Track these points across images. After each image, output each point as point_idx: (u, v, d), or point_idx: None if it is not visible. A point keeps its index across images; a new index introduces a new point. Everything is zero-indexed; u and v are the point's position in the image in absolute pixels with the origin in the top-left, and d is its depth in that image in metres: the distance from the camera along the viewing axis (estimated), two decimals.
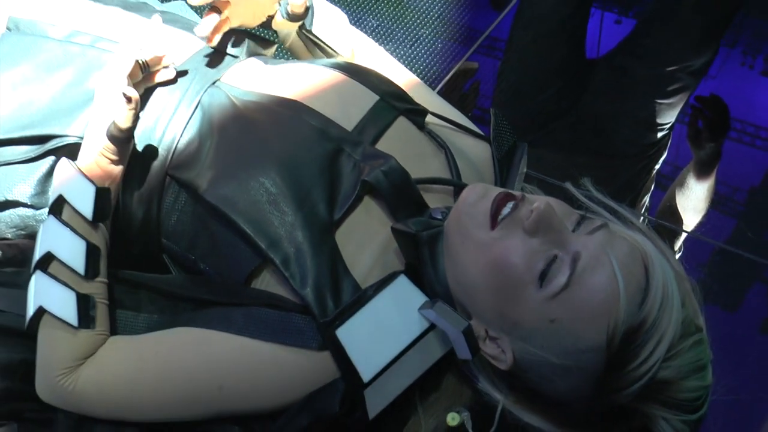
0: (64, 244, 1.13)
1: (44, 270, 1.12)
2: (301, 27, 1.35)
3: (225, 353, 1.10)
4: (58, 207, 1.13)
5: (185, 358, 1.11)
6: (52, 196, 1.14)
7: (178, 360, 1.11)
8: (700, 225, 1.88)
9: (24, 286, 1.20)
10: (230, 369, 1.10)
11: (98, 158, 1.15)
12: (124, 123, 1.14)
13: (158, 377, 1.12)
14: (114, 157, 1.16)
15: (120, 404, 1.14)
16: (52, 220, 1.13)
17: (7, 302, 1.21)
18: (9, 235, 1.26)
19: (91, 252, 1.14)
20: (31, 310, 1.13)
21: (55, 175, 1.14)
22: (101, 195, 1.14)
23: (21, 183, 1.23)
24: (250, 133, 1.18)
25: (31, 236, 1.25)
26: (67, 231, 1.13)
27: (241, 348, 1.09)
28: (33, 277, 1.13)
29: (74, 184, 1.13)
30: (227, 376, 1.10)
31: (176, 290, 1.19)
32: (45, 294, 1.12)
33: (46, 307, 1.11)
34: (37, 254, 1.13)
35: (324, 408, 1.09)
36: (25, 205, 1.24)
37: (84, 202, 1.13)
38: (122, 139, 1.15)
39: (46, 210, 1.23)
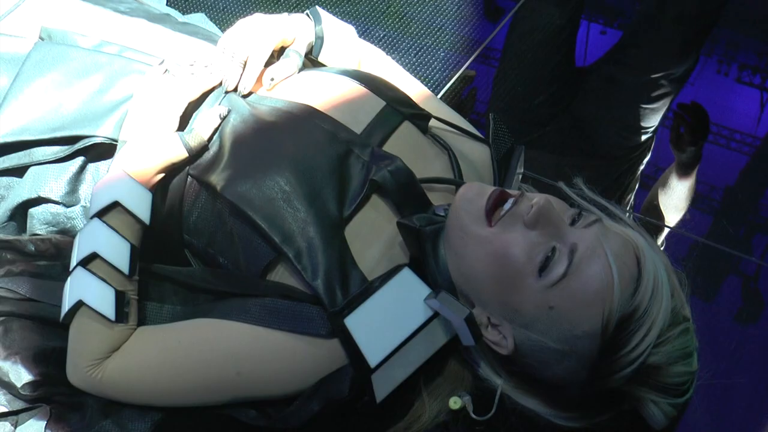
0: (111, 246, 1.13)
1: (85, 266, 1.13)
2: (307, 54, 1.35)
3: (242, 342, 1.11)
4: (108, 211, 1.14)
5: (205, 347, 1.12)
6: (102, 200, 1.14)
7: (199, 349, 1.12)
8: (681, 222, 1.88)
9: (57, 279, 1.20)
10: (247, 356, 1.11)
11: (157, 166, 1.16)
12: (208, 136, 1.18)
13: (181, 365, 1.12)
14: (172, 167, 1.18)
15: (144, 391, 1.14)
16: (99, 223, 1.13)
17: (40, 293, 1.21)
18: (41, 231, 1.26)
19: (134, 253, 1.16)
20: (69, 303, 1.13)
21: (108, 181, 1.15)
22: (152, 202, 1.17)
23: (52, 181, 1.23)
24: (265, 135, 1.19)
25: (62, 232, 1.25)
26: (115, 235, 1.14)
27: (257, 337, 1.10)
28: (74, 272, 1.13)
29: (132, 190, 1.14)
30: (244, 363, 1.11)
31: (197, 283, 1.19)
32: (85, 289, 1.12)
33: (86, 300, 1.12)
34: (81, 252, 1.13)
35: (334, 393, 1.10)
36: (56, 202, 1.24)
37: (141, 208, 1.15)
38: (198, 151, 1.18)
39: (77, 207, 1.24)
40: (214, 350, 1.11)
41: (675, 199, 1.94)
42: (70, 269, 1.14)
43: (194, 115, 1.23)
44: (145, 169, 1.16)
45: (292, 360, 1.10)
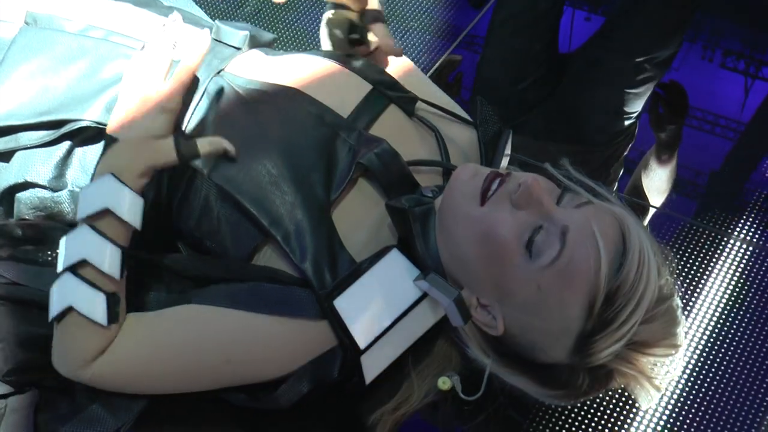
0: (101, 252, 1.09)
1: (74, 272, 1.09)
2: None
3: (231, 328, 1.10)
4: (98, 217, 1.09)
5: (194, 335, 1.11)
6: (92, 205, 1.09)
7: (189, 338, 1.11)
8: (664, 205, 1.89)
9: (45, 264, 1.19)
10: (236, 342, 1.10)
11: (148, 170, 1.12)
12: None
13: (170, 356, 1.12)
14: (162, 168, 1.14)
15: (134, 381, 1.13)
16: (88, 229, 1.09)
17: (27, 277, 1.20)
18: (28, 216, 1.25)
19: (125, 256, 1.11)
20: (58, 308, 1.10)
21: (98, 185, 1.10)
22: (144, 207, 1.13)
23: (39, 166, 1.22)
24: (252, 119, 1.19)
25: (50, 217, 1.24)
26: (105, 241, 1.09)
27: (246, 323, 1.10)
28: (62, 276, 1.09)
29: (123, 196, 1.09)
30: (234, 349, 1.10)
31: (183, 268, 1.18)
32: (74, 294, 1.09)
33: (76, 307, 1.09)
34: (69, 258, 1.09)
35: (324, 374, 1.10)
36: (43, 187, 1.23)
37: (133, 213, 1.10)
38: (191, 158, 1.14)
39: (64, 192, 1.23)
40: (203, 337, 1.11)
41: (657, 181, 1.95)
42: (58, 272, 1.10)
43: (189, 114, 1.21)
44: (137, 174, 1.11)
45: (283, 344, 1.10)
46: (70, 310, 1.09)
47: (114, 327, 1.11)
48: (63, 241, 1.11)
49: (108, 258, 1.09)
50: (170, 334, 1.12)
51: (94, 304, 1.09)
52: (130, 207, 1.09)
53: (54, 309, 1.10)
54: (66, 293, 1.09)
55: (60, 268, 1.10)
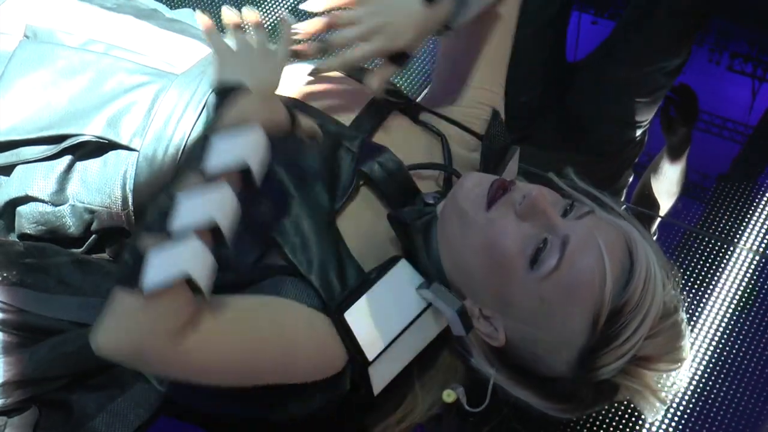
0: (227, 217, 0.95)
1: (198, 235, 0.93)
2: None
3: (297, 317, 1.04)
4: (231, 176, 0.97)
5: (270, 323, 1.03)
6: (230, 159, 0.95)
7: (266, 324, 1.03)
8: (673, 210, 1.89)
9: (51, 291, 1.16)
10: (300, 333, 1.04)
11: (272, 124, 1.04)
12: None
13: (251, 337, 1.01)
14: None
15: (212, 362, 0.99)
16: (226, 188, 0.95)
17: (35, 304, 1.16)
18: (30, 230, 1.25)
19: None
20: (164, 274, 0.90)
21: (240, 139, 0.98)
22: None
23: (40, 180, 1.22)
24: None
25: (51, 231, 1.24)
26: (235, 202, 0.96)
27: (299, 314, 1.05)
28: (183, 239, 0.92)
29: (260, 153, 0.99)
30: (296, 341, 1.04)
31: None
32: (192, 260, 0.92)
33: (193, 274, 0.91)
34: (192, 216, 0.93)
35: (334, 387, 1.09)
36: (44, 201, 1.22)
37: (260, 174, 1.00)
38: None
39: (65, 206, 1.22)
40: (277, 326, 1.03)
41: (667, 184, 1.94)
42: (168, 230, 0.93)
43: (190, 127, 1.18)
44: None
45: (332, 339, 1.05)
46: (182, 277, 0.91)
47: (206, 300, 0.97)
48: (180, 198, 0.94)
49: (230, 221, 0.96)
50: (255, 318, 1.02)
51: (205, 274, 0.93)
52: (261, 163, 1.00)
53: (156, 275, 0.90)
54: (184, 258, 0.91)
55: (177, 225, 0.93)
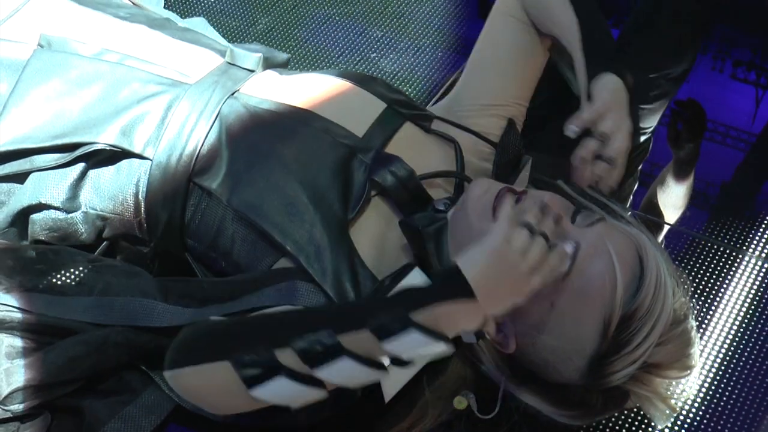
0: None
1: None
2: None
3: None
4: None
5: None
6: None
7: None
8: (679, 219, 1.88)
9: (67, 293, 1.16)
10: None
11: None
12: None
13: None
14: None
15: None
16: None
17: (53, 308, 1.15)
18: (42, 237, 1.25)
19: None
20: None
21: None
22: None
23: (53, 188, 1.22)
24: (266, 140, 1.19)
25: (64, 238, 1.24)
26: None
27: None
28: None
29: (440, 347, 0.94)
30: None
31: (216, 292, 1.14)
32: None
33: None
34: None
35: (346, 395, 1.09)
36: (57, 208, 1.23)
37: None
38: None
39: (78, 213, 1.22)
40: None
41: (673, 198, 1.93)
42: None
43: (203, 136, 1.19)
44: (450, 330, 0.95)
45: None
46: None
47: None
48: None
49: None
50: None
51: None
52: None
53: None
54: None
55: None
